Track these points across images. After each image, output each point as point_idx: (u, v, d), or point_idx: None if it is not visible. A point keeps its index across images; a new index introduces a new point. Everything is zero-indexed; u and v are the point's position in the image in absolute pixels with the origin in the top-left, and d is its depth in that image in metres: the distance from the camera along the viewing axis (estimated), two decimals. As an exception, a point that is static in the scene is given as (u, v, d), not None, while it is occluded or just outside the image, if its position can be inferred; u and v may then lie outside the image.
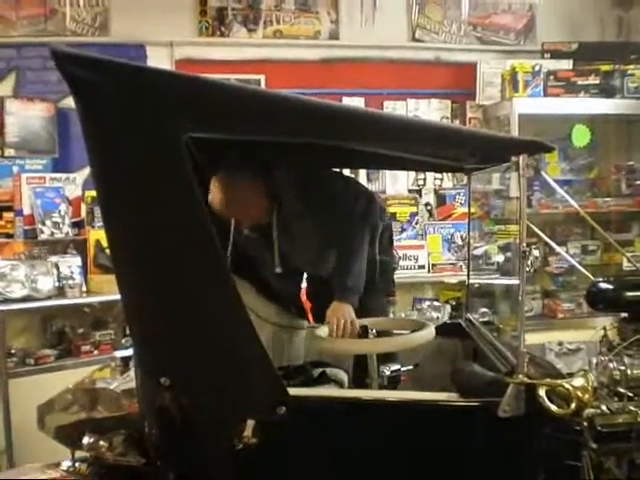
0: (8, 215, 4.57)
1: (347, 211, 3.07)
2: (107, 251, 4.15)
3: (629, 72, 5.22)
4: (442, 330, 2.88)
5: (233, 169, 2.89)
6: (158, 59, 5.05)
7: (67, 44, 1.74)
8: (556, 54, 5.42)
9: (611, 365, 2.39)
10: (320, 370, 2.94)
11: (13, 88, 4.99)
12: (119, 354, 2.82)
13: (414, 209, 5.44)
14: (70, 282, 4.39)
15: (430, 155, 2.62)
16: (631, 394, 2.32)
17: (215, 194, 2.87)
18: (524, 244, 2.12)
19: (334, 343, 2.69)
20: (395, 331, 2.99)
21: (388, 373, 2.73)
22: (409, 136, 2.12)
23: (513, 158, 2.18)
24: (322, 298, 3.10)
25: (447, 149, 2.40)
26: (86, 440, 2.38)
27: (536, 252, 2.11)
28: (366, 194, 3.23)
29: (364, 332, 2.81)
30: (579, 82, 5.19)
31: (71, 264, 4.45)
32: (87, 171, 4.41)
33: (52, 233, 4.49)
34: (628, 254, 3.91)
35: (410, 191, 5.55)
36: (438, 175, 5.52)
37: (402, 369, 2.79)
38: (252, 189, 2.97)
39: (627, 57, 5.32)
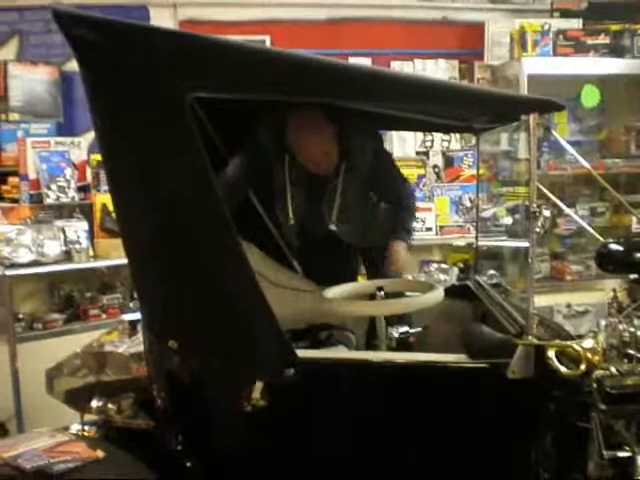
0: (14, 180, 4.56)
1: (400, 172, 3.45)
2: (113, 215, 4.13)
3: (639, 31, 5.14)
4: (450, 292, 2.87)
5: (313, 110, 2.94)
6: (161, 20, 4.98)
7: (70, 6, 1.72)
8: (565, 13, 5.34)
9: (621, 327, 2.37)
10: (327, 332, 2.94)
11: (16, 52, 4.94)
12: (127, 317, 2.82)
13: (422, 171, 5.40)
14: (77, 246, 4.39)
15: (439, 114, 2.59)
16: (640, 356, 2.31)
17: (303, 134, 2.98)
18: (534, 205, 2.10)
19: (342, 305, 2.67)
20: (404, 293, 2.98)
21: (396, 335, 2.73)
22: (419, 95, 2.09)
23: (523, 117, 2.15)
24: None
25: (457, 108, 2.37)
26: (95, 403, 2.39)
27: (547, 212, 2.08)
28: None
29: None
30: (589, 42, 5.12)
31: (77, 228, 4.45)
32: (92, 135, 4.37)
33: (58, 197, 4.48)
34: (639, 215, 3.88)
35: (417, 153, 5.50)
36: (445, 137, 5.47)
37: (410, 331, 2.79)
38: (332, 131, 3.05)
39: (637, 17, 5.23)
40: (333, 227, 3.16)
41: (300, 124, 2.97)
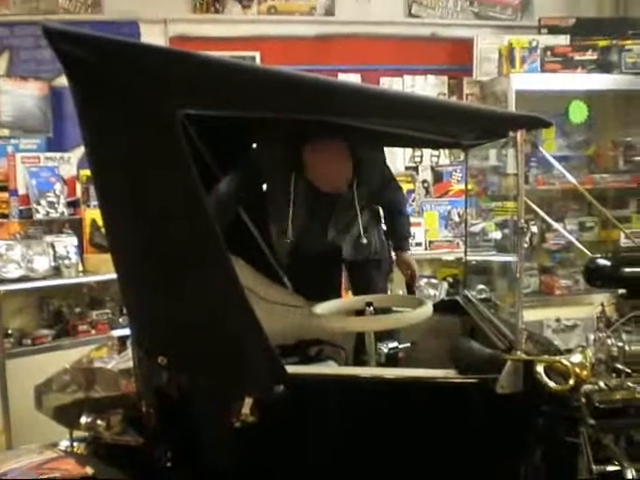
0: (3, 195, 4.55)
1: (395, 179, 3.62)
2: (102, 230, 4.13)
3: (627, 47, 5.18)
4: (440, 307, 2.88)
5: (333, 133, 2.99)
6: (152, 37, 4.99)
7: (60, 22, 1.73)
8: (553, 29, 5.38)
9: (609, 341, 2.38)
10: (317, 348, 2.94)
11: (6, 67, 4.94)
12: (116, 333, 2.81)
13: (411, 186, 5.42)
14: (66, 262, 4.39)
15: (428, 131, 2.61)
16: (629, 370, 2.32)
17: (324, 158, 3.04)
18: (522, 220, 2.11)
19: (331, 321, 2.68)
20: (393, 308, 2.99)
21: (386, 350, 2.73)
22: (407, 112, 2.10)
23: (511, 133, 2.17)
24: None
25: (445, 124, 2.39)
26: (84, 420, 2.38)
27: (534, 228, 2.10)
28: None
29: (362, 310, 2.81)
30: (576, 57, 5.16)
31: (67, 244, 4.44)
32: (82, 150, 4.38)
33: (47, 213, 4.48)
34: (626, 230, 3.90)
35: (407, 168, 5.51)
36: (435, 152, 5.49)
37: (400, 346, 2.79)
38: (349, 152, 3.11)
39: (625, 32, 5.28)
40: (340, 242, 3.27)
41: (322, 148, 3.02)
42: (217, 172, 3.06)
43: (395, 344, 2.77)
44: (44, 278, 4.31)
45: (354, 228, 3.28)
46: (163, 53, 1.91)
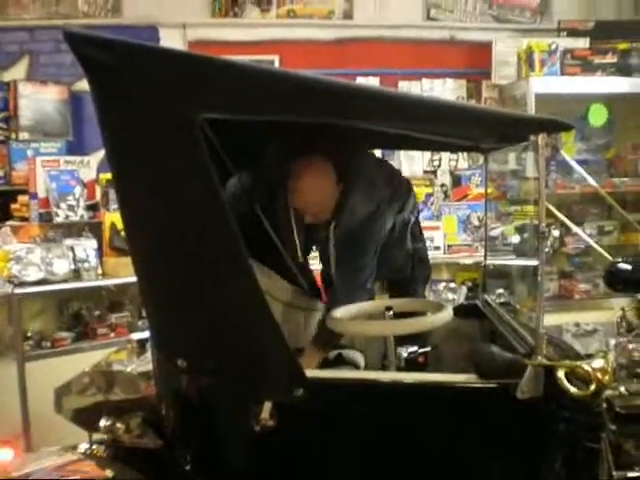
0: (23, 198, 4.58)
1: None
2: (122, 234, 4.15)
3: (646, 50, 5.16)
4: (459, 311, 2.86)
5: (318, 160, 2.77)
6: (171, 41, 5.03)
7: (79, 26, 1.74)
8: (572, 32, 5.36)
9: (630, 346, 2.37)
10: (337, 352, 2.93)
11: (26, 71, 4.99)
12: (135, 336, 2.83)
13: (429, 190, 5.41)
14: (85, 265, 4.40)
15: (448, 135, 2.59)
16: (650, 375, 2.30)
17: (305, 183, 2.75)
18: (543, 224, 2.09)
19: (350, 325, 2.67)
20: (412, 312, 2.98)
21: (405, 355, 2.72)
22: (426, 115, 2.09)
23: (532, 137, 2.15)
24: None
25: (465, 128, 2.38)
26: (103, 423, 2.39)
27: (556, 232, 2.08)
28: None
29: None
30: (596, 61, 5.14)
31: (86, 247, 4.45)
32: (101, 154, 4.41)
33: (67, 216, 4.50)
34: (646, 234, 3.88)
35: (425, 172, 5.52)
36: (453, 156, 5.49)
37: (419, 351, 2.78)
38: (330, 186, 2.80)
39: (645, 35, 5.26)
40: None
41: (302, 170, 2.77)
42: (232, 170, 3.05)
43: (415, 348, 2.76)
44: (64, 281, 4.32)
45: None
46: (183, 57, 1.92)
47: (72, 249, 4.40)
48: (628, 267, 2.56)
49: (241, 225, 1.93)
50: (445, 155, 5.49)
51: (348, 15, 5.39)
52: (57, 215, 4.47)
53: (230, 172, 3.04)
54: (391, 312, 2.73)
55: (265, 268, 2.94)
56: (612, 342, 2.52)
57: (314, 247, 3.19)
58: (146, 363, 2.45)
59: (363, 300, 2.86)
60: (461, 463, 2.14)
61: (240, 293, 1.98)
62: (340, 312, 2.70)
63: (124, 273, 4.16)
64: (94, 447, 2.44)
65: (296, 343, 2.85)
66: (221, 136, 2.69)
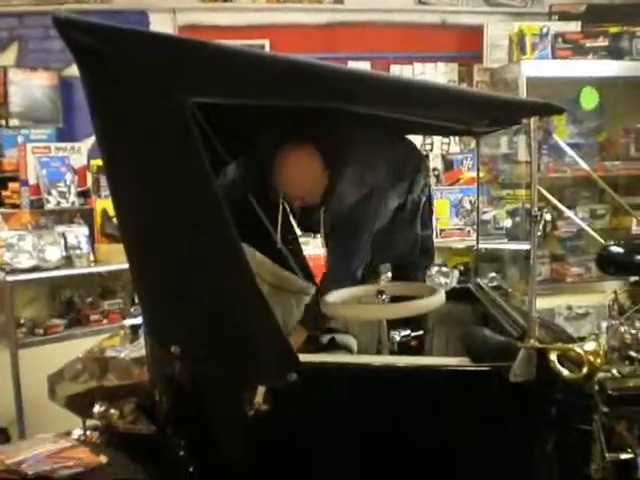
0: (14, 185, 4.57)
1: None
2: (114, 220, 4.13)
3: (638, 34, 5.16)
4: (452, 295, 2.87)
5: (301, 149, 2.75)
6: (161, 26, 4.98)
7: (69, 12, 1.73)
8: (564, 16, 5.35)
9: (622, 329, 2.37)
10: (330, 336, 2.93)
11: (16, 58, 4.94)
12: (128, 322, 2.82)
13: (421, 174, 5.39)
14: (77, 252, 4.39)
15: (440, 118, 2.59)
16: (642, 357, 2.31)
17: (288, 169, 2.74)
18: (535, 208, 2.09)
19: (343, 309, 2.67)
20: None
21: (398, 338, 2.72)
22: (418, 99, 2.09)
23: (524, 120, 2.15)
24: None
25: (457, 112, 2.37)
26: (97, 409, 2.39)
27: (548, 216, 2.08)
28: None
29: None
30: (587, 44, 5.13)
31: (78, 234, 4.45)
32: (92, 140, 4.37)
33: (58, 203, 4.49)
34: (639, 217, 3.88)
35: (417, 156, 5.50)
36: (445, 140, 5.47)
37: (412, 334, 2.78)
38: (313, 172, 2.78)
39: (636, 18, 5.24)
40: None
41: (285, 156, 2.75)
42: (225, 157, 3.04)
43: (407, 332, 2.76)
44: (56, 268, 4.32)
45: None
46: (172, 41, 1.91)
47: (64, 236, 4.39)
48: (620, 250, 2.56)
49: (235, 211, 1.93)
50: (437, 139, 5.47)
51: (339, -1, 5.37)
52: (48, 202, 4.47)
53: (223, 160, 3.03)
54: (384, 296, 2.73)
55: (251, 248, 2.92)
56: (604, 325, 2.52)
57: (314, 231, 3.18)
58: (139, 349, 2.45)
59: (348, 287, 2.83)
60: (454, 446, 2.15)
61: (233, 279, 1.98)
62: (333, 296, 2.70)
63: (116, 260, 4.15)
64: (88, 433, 2.45)
65: (290, 328, 2.85)
66: (213, 123, 2.68)
